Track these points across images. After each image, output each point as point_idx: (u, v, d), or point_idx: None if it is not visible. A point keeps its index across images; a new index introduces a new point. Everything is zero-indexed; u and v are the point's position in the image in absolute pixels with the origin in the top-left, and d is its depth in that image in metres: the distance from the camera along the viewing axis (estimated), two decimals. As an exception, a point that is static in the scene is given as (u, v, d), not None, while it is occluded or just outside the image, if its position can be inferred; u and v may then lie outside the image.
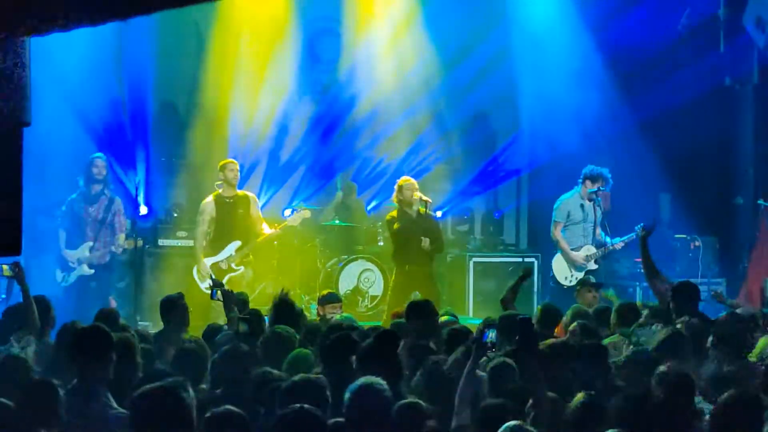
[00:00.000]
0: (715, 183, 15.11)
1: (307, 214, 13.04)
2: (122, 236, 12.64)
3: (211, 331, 8.61)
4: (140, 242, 13.24)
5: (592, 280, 11.24)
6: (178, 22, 15.18)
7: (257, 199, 13.04)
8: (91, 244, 12.50)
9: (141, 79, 15.16)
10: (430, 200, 12.53)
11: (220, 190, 12.64)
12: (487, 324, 6.98)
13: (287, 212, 14.74)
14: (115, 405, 6.05)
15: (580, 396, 5.79)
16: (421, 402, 5.85)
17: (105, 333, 6.47)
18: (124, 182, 13.98)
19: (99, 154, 12.76)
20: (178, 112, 15.89)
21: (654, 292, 9.66)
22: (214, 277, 10.87)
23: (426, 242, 12.14)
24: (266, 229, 12.68)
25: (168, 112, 15.76)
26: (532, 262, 14.65)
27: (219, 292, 9.39)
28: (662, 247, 14.65)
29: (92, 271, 12.56)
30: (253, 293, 12.34)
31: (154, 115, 15.62)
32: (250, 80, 15.45)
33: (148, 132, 15.52)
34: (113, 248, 12.57)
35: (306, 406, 5.15)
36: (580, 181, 12.80)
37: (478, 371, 6.44)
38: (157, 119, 15.70)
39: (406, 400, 5.85)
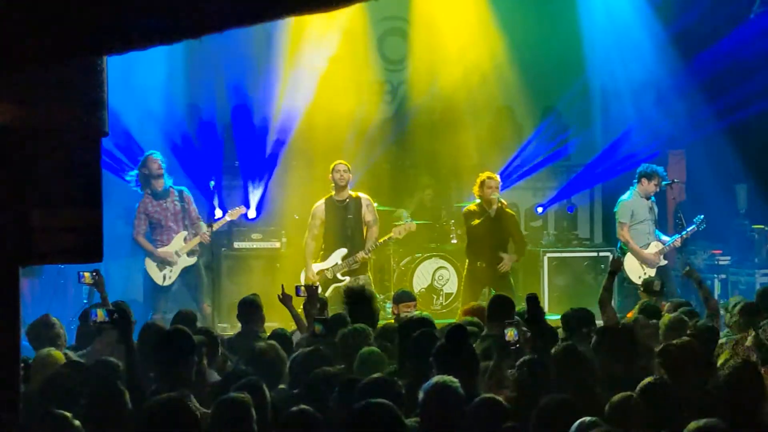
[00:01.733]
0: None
1: (412, 227, 12.78)
2: (203, 225, 12.39)
3: (277, 336, 8.68)
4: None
5: (655, 288, 10.98)
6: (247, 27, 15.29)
7: (371, 201, 12.65)
8: (184, 233, 12.33)
9: (212, 84, 15.33)
10: (504, 203, 12.48)
11: (333, 193, 12.44)
12: (507, 323, 7.03)
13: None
14: (198, 405, 6.15)
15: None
16: (499, 398, 5.85)
17: (187, 336, 6.57)
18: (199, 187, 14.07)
19: (150, 151, 12.56)
20: (251, 115, 16.00)
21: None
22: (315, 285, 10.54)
23: (507, 262, 12.21)
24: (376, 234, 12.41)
25: (239, 116, 15.87)
26: (607, 257, 14.56)
27: (303, 288, 9.39)
28: (739, 238, 14.52)
29: (194, 259, 12.38)
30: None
31: (226, 119, 15.78)
32: (321, 82, 15.51)
33: (222, 136, 15.69)
34: (202, 238, 12.31)
35: (380, 400, 5.20)
36: (636, 180, 12.76)
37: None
38: (229, 123, 15.87)
39: (485, 395, 5.84)
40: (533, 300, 7.25)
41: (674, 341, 6.94)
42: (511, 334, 6.83)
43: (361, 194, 12.54)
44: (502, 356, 6.84)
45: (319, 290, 11.33)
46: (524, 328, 7.33)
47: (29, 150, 3.27)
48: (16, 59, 2.86)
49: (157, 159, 12.35)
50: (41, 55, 2.85)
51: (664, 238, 12.83)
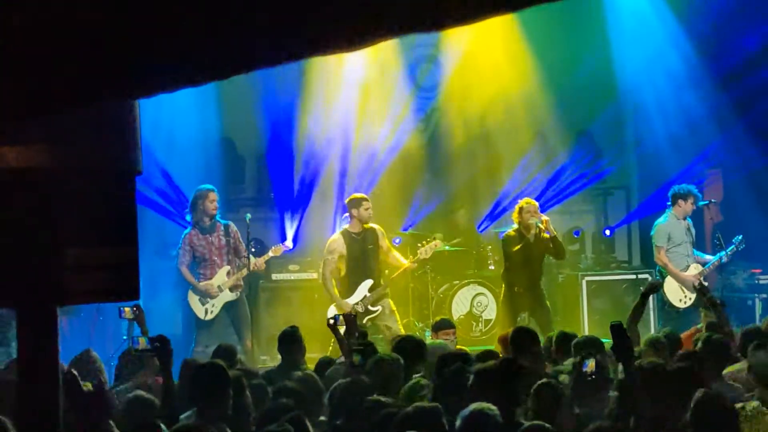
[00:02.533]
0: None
1: (438, 244, 12.75)
2: (250, 257, 12.35)
3: (324, 364, 8.68)
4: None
5: (716, 302, 10.83)
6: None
7: (384, 231, 12.68)
8: (227, 268, 12.26)
9: (246, 118, 15.41)
10: (547, 219, 12.41)
11: (348, 226, 12.45)
12: (584, 356, 6.92)
13: (396, 239, 14.83)
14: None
15: None
16: (547, 426, 5.79)
17: (221, 369, 6.58)
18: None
19: (210, 186, 12.44)
20: (283, 146, 16.07)
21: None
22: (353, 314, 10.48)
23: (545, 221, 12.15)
24: (400, 259, 12.44)
25: (273, 147, 15.94)
26: (646, 278, 14.47)
27: (342, 317, 9.37)
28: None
29: (236, 295, 12.33)
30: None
31: (261, 151, 15.86)
32: (354, 111, 15.57)
33: (257, 168, 15.76)
34: (252, 268, 12.30)
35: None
36: (670, 203, 12.69)
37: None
38: (264, 155, 15.94)
39: (532, 422, 5.79)
40: (618, 329, 6.47)
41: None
42: (591, 365, 6.70)
43: (373, 225, 12.54)
44: (577, 389, 6.74)
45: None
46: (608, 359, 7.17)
47: (63, 189, 3.29)
48: (46, 102, 2.89)
49: (215, 198, 12.30)
50: (71, 98, 2.88)
51: (704, 258, 12.73)
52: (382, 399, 6.57)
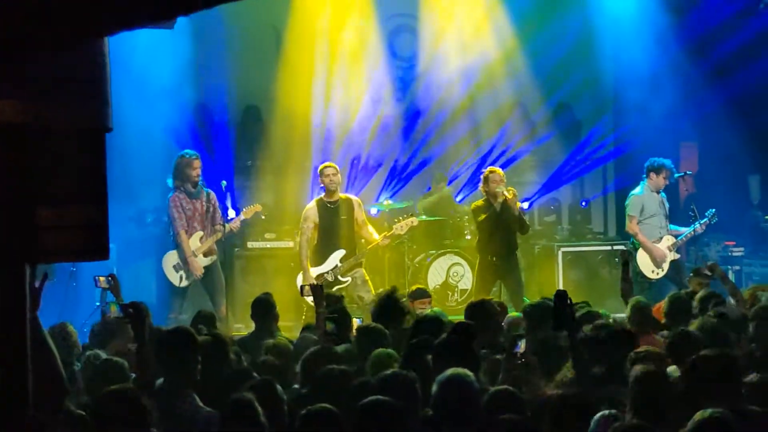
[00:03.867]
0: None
1: (414, 222, 12.66)
2: (225, 224, 12.24)
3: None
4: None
5: (706, 272, 10.93)
6: (254, 25, 15.35)
7: (362, 203, 12.66)
8: (201, 234, 12.17)
9: (222, 84, 15.34)
10: (512, 193, 12.42)
11: (323, 195, 12.42)
12: (517, 336, 6.93)
13: (373, 210, 14.84)
14: (201, 404, 6.15)
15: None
16: (514, 389, 5.83)
17: (188, 334, 6.57)
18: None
19: (194, 153, 12.35)
20: (261, 115, 16.02)
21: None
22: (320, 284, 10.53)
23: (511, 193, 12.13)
24: (373, 234, 12.36)
25: (251, 115, 15.89)
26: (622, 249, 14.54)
27: (308, 288, 9.39)
28: (753, 229, 14.48)
29: (210, 260, 12.23)
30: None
31: (237, 119, 15.81)
32: (330, 80, 15.53)
33: (232, 136, 15.70)
34: (225, 231, 12.18)
35: (383, 397, 5.22)
36: (645, 175, 12.73)
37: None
38: (240, 123, 15.89)
39: (501, 386, 5.82)
40: (562, 298, 6.38)
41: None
42: (523, 346, 6.66)
43: (350, 195, 12.57)
44: (510, 369, 6.75)
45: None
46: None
47: (33, 147, 3.26)
48: (15, 49, 2.86)
49: (198, 165, 12.22)
50: (40, 43, 2.84)
51: (677, 231, 12.78)
52: (348, 369, 6.56)
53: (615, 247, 14.75)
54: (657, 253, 12.58)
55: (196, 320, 8.96)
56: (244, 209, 12.70)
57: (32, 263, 3.45)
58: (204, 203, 12.26)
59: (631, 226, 12.73)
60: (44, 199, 3.26)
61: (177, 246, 12.20)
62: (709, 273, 10.29)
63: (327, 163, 12.51)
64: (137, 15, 2.91)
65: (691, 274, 10.84)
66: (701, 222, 12.58)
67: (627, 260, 9.63)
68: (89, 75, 3.26)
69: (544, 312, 7.97)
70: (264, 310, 9.17)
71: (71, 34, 2.88)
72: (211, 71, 14.96)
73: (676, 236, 12.69)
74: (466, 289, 14.12)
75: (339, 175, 12.40)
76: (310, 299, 9.92)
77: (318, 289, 9.19)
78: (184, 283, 12.20)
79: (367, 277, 12.39)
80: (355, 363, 7.17)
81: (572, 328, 6.45)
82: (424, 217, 14.86)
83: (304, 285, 9.58)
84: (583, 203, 16.56)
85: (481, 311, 8.25)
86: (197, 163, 12.20)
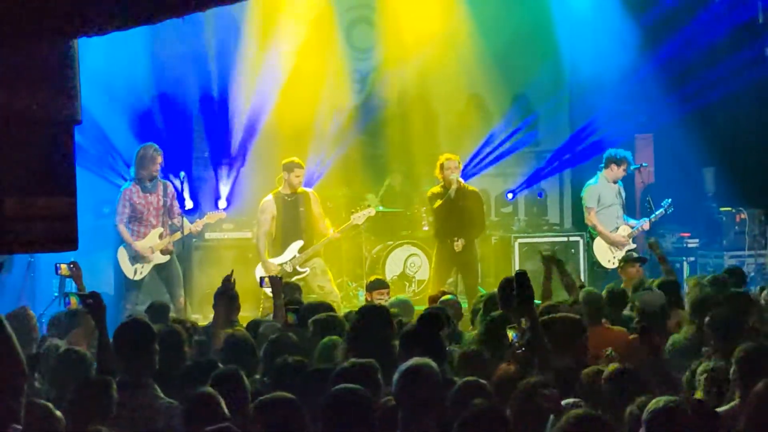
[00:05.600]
0: (759, 154, 15.00)
1: (372, 212, 12.78)
2: (185, 220, 12.20)
3: (255, 324, 8.69)
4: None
5: (635, 255, 11.25)
6: (214, 14, 15.29)
7: (317, 196, 12.78)
8: (160, 230, 12.14)
9: (181, 74, 15.27)
10: (469, 186, 12.56)
11: (280, 188, 12.47)
12: (509, 327, 6.93)
13: (329, 204, 14.86)
14: (162, 395, 6.17)
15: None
16: (483, 381, 5.88)
17: (145, 325, 6.60)
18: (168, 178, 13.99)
19: (157, 147, 12.27)
20: (219, 106, 15.97)
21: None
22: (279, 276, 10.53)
23: (459, 244, 12.26)
24: (329, 229, 12.44)
25: (208, 106, 15.84)
26: (578, 241, 14.67)
27: (267, 280, 9.43)
28: (708, 221, 14.64)
29: (167, 257, 12.19)
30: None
31: (195, 109, 15.75)
32: (288, 71, 15.50)
33: (190, 127, 15.65)
34: (184, 232, 12.15)
35: (351, 385, 5.26)
36: (603, 165, 12.84)
37: None
38: (199, 114, 15.84)
39: (470, 378, 5.86)
40: (522, 277, 6.22)
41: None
42: (510, 336, 6.58)
43: (307, 189, 12.65)
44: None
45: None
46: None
47: (2, 138, 3.27)
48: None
49: (160, 160, 12.17)
50: (10, 38, 2.86)
51: (632, 222, 12.92)
52: (305, 359, 6.59)
53: (571, 239, 14.86)
54: (618, 241, 12.70)
55: (149, 312, 8.95)
56: (207, 214, 12.71)
57: (0, 254, 3.47)
58: (161, 197, 12.20)
59: (590, 218, 12.85)
60: (12, 191, 3.27)
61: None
62: (638, 257, 10.54)
63: (296, 161, 12.54)
64: (125, 17, 2.94)
65: (621, 263, 11.02)
66: (657, 212, 12.74)
67: (549, 263, 9.64)
68: (58, 68, 3.27)
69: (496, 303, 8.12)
70: (223, 300, 9.16)
71: (46, 34, 2.90)
72: (170, 61, 14.88)
73: (632, 226, 12.82)
74: (424, 280, 14.18)
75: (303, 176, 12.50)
76: (269, 290, 9.94)
77: (277, 281, 9.26)
78: (138, 277, 12.16)
79: (326, 267, 12.44)
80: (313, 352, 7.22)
81: (527, 310, 6.38)
82: (381, 207, 14.90)
83: (264, 277, 9.60)
84: (540, 194, 16.66)
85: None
86: (160, 159, 12.19)
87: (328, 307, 8.62)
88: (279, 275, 10.36)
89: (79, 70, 3.43)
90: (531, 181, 16.52)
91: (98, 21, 3.09)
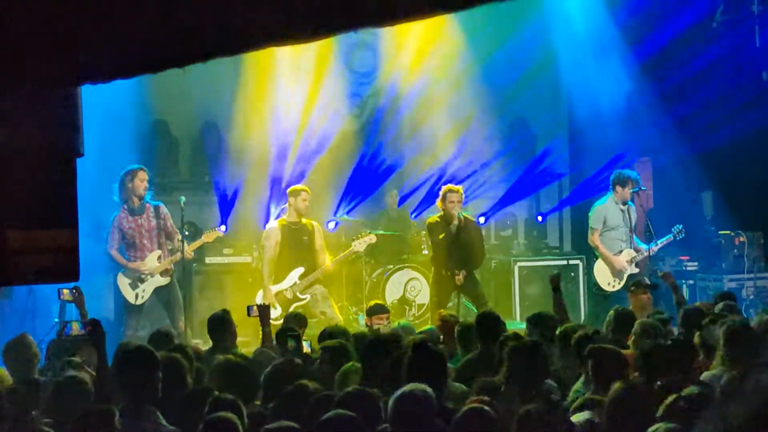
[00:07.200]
0: (756, 177, 15.04)
1: (372, 239, 12.81)
2: (184, 242, 12.12)
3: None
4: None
5: (647, 281, 11.20)
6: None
7: (321, 229, 12.87)
8: (158, 252, 12.09)
9: (180, 100, 15.30)
10: (469, 218, 12.59)
11: (285, 216, 12.57)
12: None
13: (330, 225, 14.90)
14: (164, 423, 6.17)
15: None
16: (487, 408, 5.85)
17: (149, 353, 6.59)
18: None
19: (139, 165, 12.24)
20: (219, 131, 16.01)
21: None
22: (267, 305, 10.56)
23: (461, 277, 12.26)
24: (326, 261, 12.47)
25: (210, 131, 15.88)
26: (578, 264, 14.70)
27: (255, 308, 9.44)
28: (706, 244, 14.65)
29: (167, 279, 12.15)
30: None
31: (195, 135, 15.79)
32: (288, 96, 15.56)
33: (190, 151, 15.68)
34: (184, 255, 12.10)
35: (342, 411, 5.27)
36: (611, 187, 12.82)
37: None
38: (199, 139, 15.87)
39: (473, 405, 5.85)
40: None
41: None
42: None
43: (312, 221, 12.71)
44: None
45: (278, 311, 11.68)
46: None
47: (5, 171, 3.29)
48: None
49: (144, 177, 12.08)
50: (20, 85, 2.90)
51: (642, 246, 12.82)
52: (310, 384, 6.60)
53: (570, 262, 14.89)
54: (618, 265, 12.67)
55: (153, 338, 8.94)
56: (205, 233, 12.70)
57: (2, 286, 3.49)
58: (151, 219, 12.16)
59: (593, 239, 12.79)
60: (14, 223, 3.30)
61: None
62: (650, 283, 10.53)
63: (302, 187, 12.63)
64: (131, 68, 2.98)
65: (632, 288, 10.96)
66: (666, 238, 12.71)
67: (556, 283, 9.76)
68: (61, 101, 3.31)
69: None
70: (220, 327, 9.18)
71: (52, 82, 2.94)
72: (169, 87, 14.91)
73: (637, 251, 12.76)
74: (424, 304, 14.17)
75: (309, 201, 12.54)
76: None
77: (265, 309, 9.28)
78: (140, 301, 12.13)
79: (328, 293, 12.46)
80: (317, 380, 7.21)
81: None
82: (381, 231, 14.90)
83: (252, 305, 9.60)
84: (539, 218, 16.69)
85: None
86: (143, 175, 12.08)
87: (342, 332, 8.67)
88: (268, 304, 10.33)
89: (81, 103, 3.46)
90: (563, 203, 16.59)
91: (104, 72, 3.12)
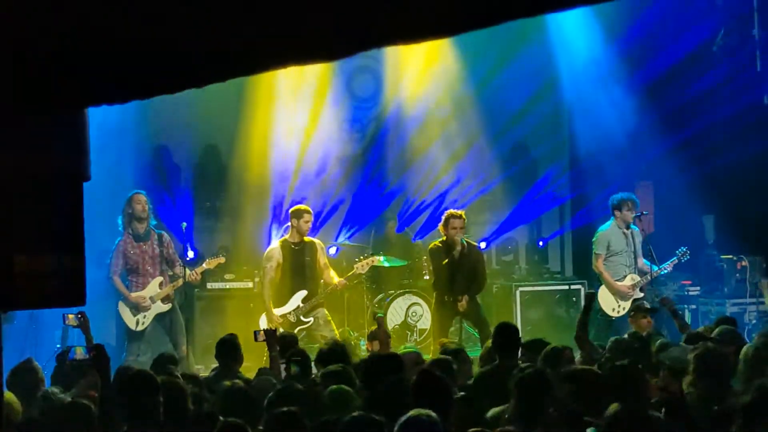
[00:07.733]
0: (758, 201, 15.04)
1: (375, 260, 12.75)
2: (185, 269, 12.14)
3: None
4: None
5: (647, 305, 11.16)
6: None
7: (324, 246, 12.74)
8: (160, 279, 12.09)
9: (182, 124, 15.32)
10: (471, 243, 12.54)
11: (287, 236, 12.43)
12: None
13: (332, 250, 14.88)
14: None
15: None
16: None
17: (150, 378, 6.59)
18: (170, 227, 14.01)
19: (138, 190, 12.29)
20: (220, 155, 16.04)
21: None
22: (278, 329, 10.50)
23: (463, 303, 12.22)
24: (334, 277, 12.29)
25: (211, 155, 15.90)
26: (579, 289, 14.69)
27: (262, 332, 9.41)
28: (708, 269, 14.62)
29: (168, 306, 12.13)
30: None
31: (196, 159, 15.81)
32: (290, 120, 15.59)
33: (192, 176, 15.70)
34: (189, 280, 12.12)
35: None
36: (611, 212, 12.79)
37: None
38: (200, 163, 15.89)
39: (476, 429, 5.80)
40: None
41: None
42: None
43: (313, 239, 12.57)
44: None
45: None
46: None
47: (11, 195, 3.30)
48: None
49: (142, 200, 12.09)
50: (25, 109, 2.90)
51: (647, 266, 12.76)
52: (311, 410, 6.56)
53: (572, 287, 14.87)
54: (621, 291, 12.62)
55: (156, 363, 8.93)
56: (207, 260, 12.63)
57: (8, 310, 3.49)
58: (155, 246, 12.18)
59: (597, 265, 12.73)
60: (21, 248, 3.30)
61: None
62: (649, 307, 10.50)
63: (305, 208, 12.48)
64: (130, 92, 2.98)
65: (632, 313, 10.90)
66: (671, 261, 12.68)
67: (589, 304, 9.57)
68: (68, 124, 3.31)
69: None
70: (228, 351, 9.17)
71: (58, 105, 2.95)
72: (170, 111, 14.93)
73: (642, 275, 12.73)
74: (425, 329, 14.16)
75: (311, 221, 12.45)
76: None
77: (272, 334, 9.24)
78: (140, 327, 12.10)
79: (329, 317, 12.41)
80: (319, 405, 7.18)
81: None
82: (383, 258, 14.84)
83: (258, 330, 9.57)
84: (540, 243, 16.68)
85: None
86: (141, 198, 12.11)
87: (342, 356, 8.61)
88: (274, 328, 10.31)
89: (88, 126, 3.46)
90: (533, 228, 16.57)
91: (106, 96, 3.13)
